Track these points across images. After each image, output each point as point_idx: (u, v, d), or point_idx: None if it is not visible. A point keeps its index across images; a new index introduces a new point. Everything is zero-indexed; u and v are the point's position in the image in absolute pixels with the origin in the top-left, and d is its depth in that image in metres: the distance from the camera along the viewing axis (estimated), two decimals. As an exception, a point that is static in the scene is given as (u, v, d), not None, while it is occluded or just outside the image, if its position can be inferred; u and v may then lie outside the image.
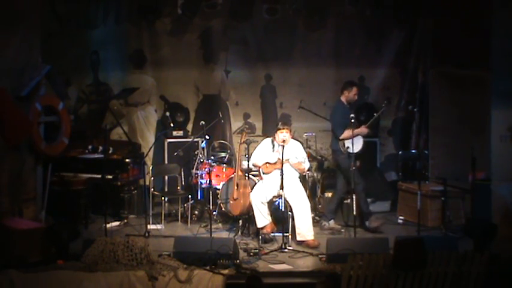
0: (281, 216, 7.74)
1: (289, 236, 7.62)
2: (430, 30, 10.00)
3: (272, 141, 8.09)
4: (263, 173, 8.08)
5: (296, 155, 8.00)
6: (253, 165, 8.19)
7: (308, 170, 8.52)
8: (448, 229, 8.24)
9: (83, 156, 8.95)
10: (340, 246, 6.85)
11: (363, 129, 8.26)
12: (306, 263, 7.04)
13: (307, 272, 6.70)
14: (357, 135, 8.11)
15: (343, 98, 8.36)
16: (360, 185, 8.17)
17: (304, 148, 8.39)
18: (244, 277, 6.24)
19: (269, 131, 9.80)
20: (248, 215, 8.09)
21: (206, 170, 8.76)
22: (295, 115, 10.09)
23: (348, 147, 8.11)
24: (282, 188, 7.54)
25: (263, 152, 8.12)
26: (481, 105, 8.49)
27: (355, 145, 8.02)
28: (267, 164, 8.02)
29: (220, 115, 9.83)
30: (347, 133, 8.07)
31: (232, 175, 8.49)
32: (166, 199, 9.13)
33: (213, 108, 10.25)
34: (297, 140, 8.42)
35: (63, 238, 6.97)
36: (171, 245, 7.03)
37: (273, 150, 8.04)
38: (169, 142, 9.87)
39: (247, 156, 8.25)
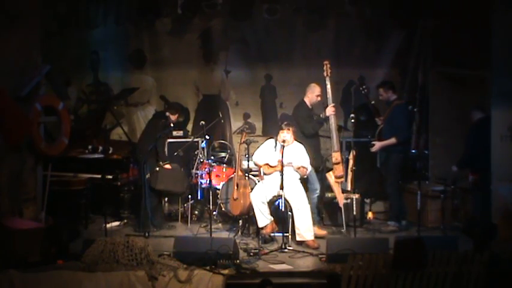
0: (281, 216, 7.74)
1: (289, 236, 7.62)
2: (430, 30, 9.98)
3: (275, 141, 8.08)
4: (263, 173, 8.07)
5: (298, 158, 7.96)
6: (254, 163, 8.18)
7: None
8: (448, 229, 8.24)
9: (83, 156, 8.95)
10: (340, 246, 6.85)
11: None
12: (306, 263, 7.04)
13: (307, 272, 6.69)
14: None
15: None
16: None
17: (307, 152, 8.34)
18: (245, 277, 6.24)
19: (269, 131, 9.80)
20: (248, 215, 8.09)
21: (206, 170, 8.75)
22: (295, 115, 10.06)
23: None
24: (282, 188, 7.54)
25: (265, 151, 8.11)
26: (481, 105, 8.48)
27: None
28: (268, 165, 8.01)
29: (220, 115, 9.84)
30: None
31: (232, 175, 8.49)
32: (166, 199, 9.12)
33: (213, 108, 10.25)
34: (300, 143, 8.38)
35: (63, 238, 6.97)
36: (171, 245, 7.02)
37: (275, 150, 8.02)
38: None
39: (247, 156, 8.25)
